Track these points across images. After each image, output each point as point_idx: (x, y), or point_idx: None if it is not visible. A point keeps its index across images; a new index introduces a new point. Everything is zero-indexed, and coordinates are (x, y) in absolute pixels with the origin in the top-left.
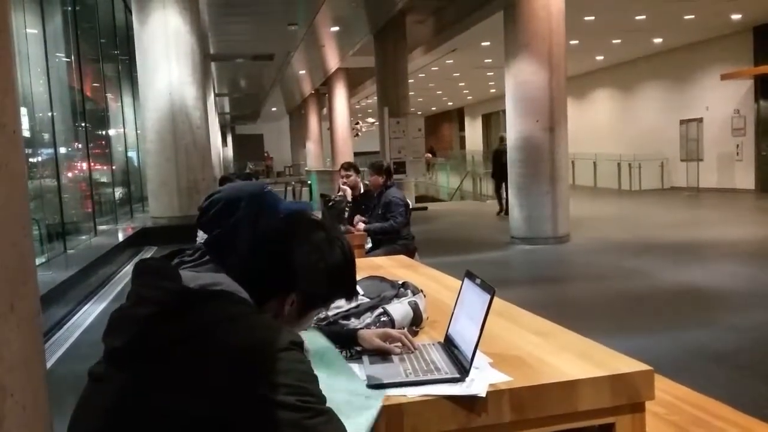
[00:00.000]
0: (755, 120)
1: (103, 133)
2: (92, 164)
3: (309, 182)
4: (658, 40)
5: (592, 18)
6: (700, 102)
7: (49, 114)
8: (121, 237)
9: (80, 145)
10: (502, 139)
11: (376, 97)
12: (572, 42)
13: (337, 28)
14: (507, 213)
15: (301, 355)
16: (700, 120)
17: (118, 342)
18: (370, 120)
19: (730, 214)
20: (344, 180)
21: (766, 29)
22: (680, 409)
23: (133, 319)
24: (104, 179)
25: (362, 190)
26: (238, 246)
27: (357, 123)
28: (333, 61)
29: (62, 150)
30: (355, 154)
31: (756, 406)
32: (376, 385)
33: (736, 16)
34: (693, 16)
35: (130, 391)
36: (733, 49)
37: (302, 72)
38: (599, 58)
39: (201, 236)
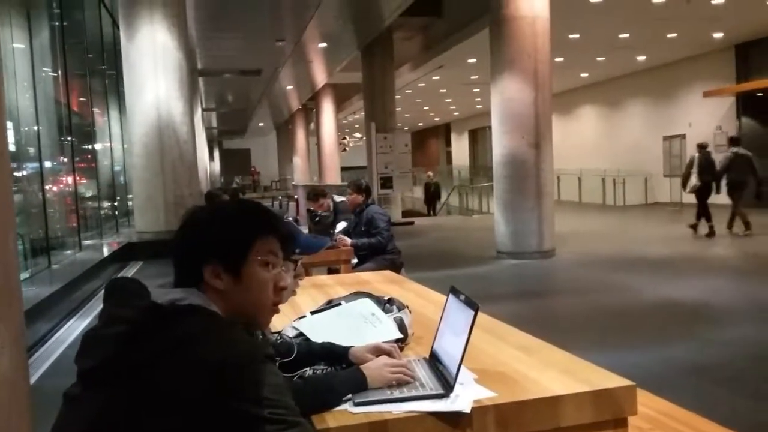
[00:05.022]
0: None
1: (90, 147)
2: (78, 178)
3: (296, 197)
4: (641, 58)
5: (577, 36)
6: (683, 119)
7: (35, 128)
8: (106, 252)
9: (66, 160)
10: (430, 176)
11: (363, 113)
12: (557, 59)
13: (324, 45)
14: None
15: (274, 368)
16: (683, 136)
17: (91, 362)
18: (357, 135)
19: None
20: (316, 208)
21: (748, 47)
22: (663, 424)
23: (106, 338)
24: (90, 193)
25: (331, 208)
26: None
27: (344, 138)
28: (320, 77)
29: (48, 164)
30: (342, 169)
31: (737, 419)
32: (361, 402)
33: (718, 35)
34: (676, 35)
35: (105, 411)
36: (715, 67)
37: (290, 87)
38: (584, 75)
39: None
